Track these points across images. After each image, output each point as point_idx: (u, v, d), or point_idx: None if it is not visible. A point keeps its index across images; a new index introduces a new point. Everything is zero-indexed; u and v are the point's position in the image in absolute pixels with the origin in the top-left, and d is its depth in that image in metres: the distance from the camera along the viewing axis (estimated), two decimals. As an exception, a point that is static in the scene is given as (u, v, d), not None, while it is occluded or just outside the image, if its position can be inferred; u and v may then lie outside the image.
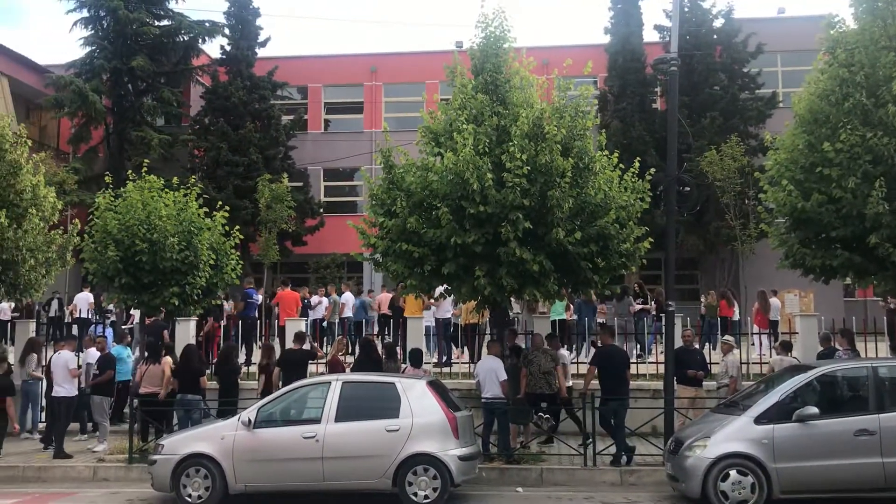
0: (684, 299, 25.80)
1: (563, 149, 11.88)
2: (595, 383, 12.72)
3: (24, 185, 14.08)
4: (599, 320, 17.99)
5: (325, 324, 19.56)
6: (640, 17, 32.22)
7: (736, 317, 20.15)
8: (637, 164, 13.19)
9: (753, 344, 17.77)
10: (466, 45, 13.68)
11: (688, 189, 14.03)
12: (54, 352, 14.20)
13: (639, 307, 18.19)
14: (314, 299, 20.85)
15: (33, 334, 16.21)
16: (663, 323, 13.94)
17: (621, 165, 12.96)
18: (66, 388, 13.37)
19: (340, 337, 15.80)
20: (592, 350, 15.75)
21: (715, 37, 31.03)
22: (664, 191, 13.32)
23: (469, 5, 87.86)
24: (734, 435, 10.06)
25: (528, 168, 11.45)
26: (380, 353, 13.77)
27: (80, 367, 14.18)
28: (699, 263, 31.72)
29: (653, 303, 18.73)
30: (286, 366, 13.51)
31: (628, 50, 31.14)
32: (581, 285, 12.84)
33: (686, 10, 29.48)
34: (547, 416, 12.87)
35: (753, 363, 16.01)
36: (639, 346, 17.52)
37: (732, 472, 9.84)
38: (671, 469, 10.68)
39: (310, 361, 13.92)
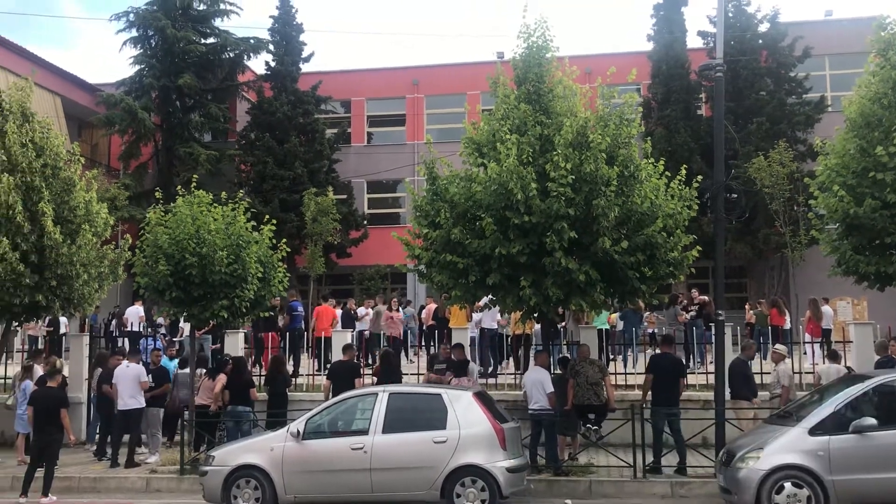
0: (733, 308, 25.37)
1: (608, 157, 11.79)
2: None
3: (77, 202, 14.40)
4: (649, 330, 17.81)
5: (367, 334, 19.66)
6: (684, 24, 31.97)
7: (787, 325, 19.77)
8: (683, 172, 13.04)
9: (805, 353, 17.40)
10: (508, 56, 13.69)
11: (735, 196, 13.81)
12: (106, 365, 14.50)
13: (688, 316, 17.92)
14: (361, 311, 20.98)
15: (87, 348, 16.54)
16: (713, 332, 13.71)
17: (667, 173, 12.81)
18: (137, 400, 13.60)
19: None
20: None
21: (760, 41, 30.61)
22: (712, 198, 13.12)
23: (509, 16, 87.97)
24: (788, 446, 9.84)
25: (573, 177, 11.39)
26: (397, 364, 13.87)
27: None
28: (748, 271, 31.20)
29: (690, 313, 18.43)
30: (335, 377, 13.61)
31: (672, 56, 30.89)
32: (628, 295, 12.70)
33: (730, 15, 29.13)
34: (595, 427, 12.73)
35: (806, 373, 15.64)
36: (689, 356, 17.23)
37: (787, 485, 9.62)
38: (723, 481, 10.48)
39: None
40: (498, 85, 13.14)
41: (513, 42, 13.81)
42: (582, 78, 13.71)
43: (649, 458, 12.17)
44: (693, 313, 18.50)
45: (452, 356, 14.15)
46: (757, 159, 24.81)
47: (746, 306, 23.14)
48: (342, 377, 13.42)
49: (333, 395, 12.76)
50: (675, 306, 17.54)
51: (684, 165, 13.69)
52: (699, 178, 13.24)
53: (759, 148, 26.40)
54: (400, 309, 20.88)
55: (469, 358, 14.89)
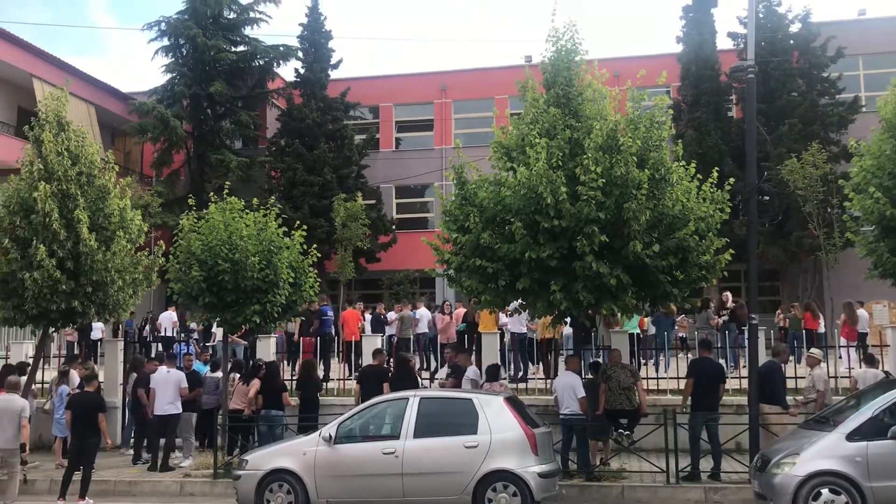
0: (765, 311, 25.06)
1: (639, 160, 11.72)
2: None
3: (112, 209, 14.61)
4: (680, 334, 17.66)
5: (395, 339, 19.72)
6: (713, 25, 31.75)
7: (821, 329, 19.50)
8: (715, 174, 12.93)
9: (841, 357, 17.16)
10: (536, 60, 13.67)
11: (768, 198, 13.66)
12: (141, 370, 14.69)
13: (721, 321, 17.74)
14: (391, 315, 21.04)
15: (122, 353, 16.77)
16: (746, 336, 13.55)
17: (699, 176, 12.70)
18: (175, 406, 13.77)
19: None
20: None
21: (792, 42, 30.28)
22: (744, 200, 12.98)
23: (536, 21, 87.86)
24: (825, 452, 9.71)
25: (603, 180, 11.33)
26: (414, 370, 13.82)
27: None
28: (780, 274, 30.82)
29: (722, 317, 18.23)
30: (364, 381, 13.66)
31: (701, 58, 30.67)
32: (660, 299, 12.60)
33: (761, 16, 28.85)
34: (627, 432, 12.64)
35: (842, 377, 15.42)
36: (724, 360, 17.05)
37: (824, 491, 9.49)
38: (758, 487, 10.35)
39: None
40: (527, 89, 13.12)
41: (540, 46, 13.74)
42: (610, 81, 13.65)
43: (682, 464, 12.05)
44: (725, 317, 18.32)
45: (457, 361, 14.12)
46: (790, 161, 24.45)
47: (778, 311, 22.83)
48: (371, 381, 13.46)
49: (362, 400, 12.84)
50: (708, 310, 17.37)
51: (715, 168, 13.56)
52: (731, 180, 13.10)
53: (791, 150, 26.06)
54: (444, 312, 20.85)
55: (473, 363, 14.90)
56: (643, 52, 38.40)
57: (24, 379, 14.38)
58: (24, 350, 17.90)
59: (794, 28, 30.55)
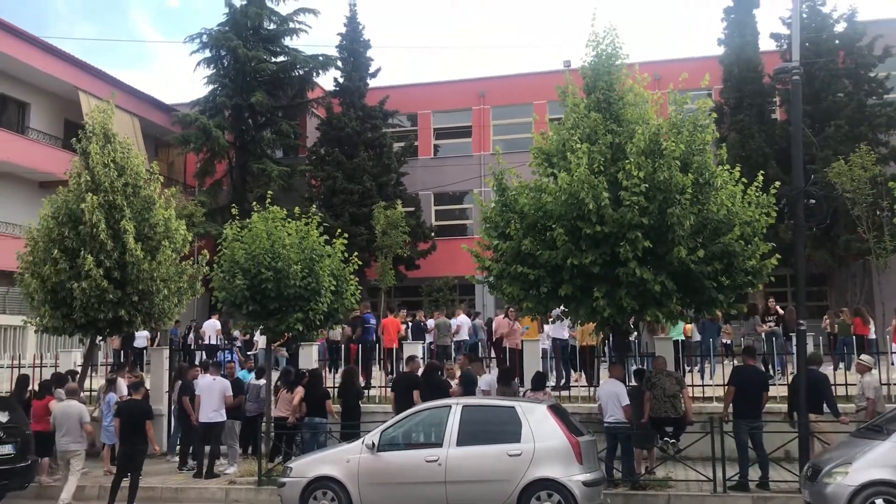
0: (813, 317, 24.56)
1: (682, 164, 11.55)
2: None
3: (157, 219, 14.86)
4: (724, 341, 17.36)
5: (432, 346, 19.70)
6: (755, 26, 31.30)
7: (872, 335, 19.03)
8: (760, 178, 12.70)
9: (893, 363, 16.71)
10: (576, 65, 13.57)
11: (814, 201, 13.36)
12: (186, 378, 14.86)
13: (767, 327, 17.40)
14: (430, 322, 21.04)
15: (168, 361, 16.99)
16: (794, 343, 13.27)
17: (744, 180, 12.48)
18: (220, 414, 13.90)
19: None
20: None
21: (837, 42, 29.71)
22: (790, 204, 12.71)
23: (573, 25, 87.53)
24: (879, 461, 9.45)
25: (646, 185, 11.18)
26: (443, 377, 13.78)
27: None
28: (828, 279, 30.19)
29: (772, 322, 17.88)
30: (396, 389, 13.67)
31: (744, 60, 30.24)
32: (705, 305, 12.39)
33: (805, 16, 28.35)
34: (673, 440, 12.44)
35: (894, 384, 15.01)
36: (770, 367, 16.72)
37: (878, 501, 9.23)
38: (809, 497, 10.10)
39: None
40: (567, 94, 13.03)
41: (579, 51, 13.76)
42: (651, 84, 13.50)
43: (729, 472, 11.82)
44: (771, 323, 17.98)
45: (469, 369, 14.06)
46: (837, 163, 23.99)
47: (825, 316, 22.34)
48: (401, 389, 13.50)
49: (395, 407, 12.83)
50: (755, 317, 17.02)
51: (761, 171, 13.31)
52: (777, 184, 12.85)
53: (837, 152, 25.55)
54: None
55: (488, 372, 14.83)
56: (684, 54, 38.07)
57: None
58: (72, 358, 18.26)
59: (840, 27, 29.99)
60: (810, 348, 13.32)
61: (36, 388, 14.81)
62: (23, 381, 14.92)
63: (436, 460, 10.42)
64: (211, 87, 35.52)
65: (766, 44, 31.24)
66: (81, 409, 12.38)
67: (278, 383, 14.69)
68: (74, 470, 12.20)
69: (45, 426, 13.38)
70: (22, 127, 30.93)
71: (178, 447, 15.21)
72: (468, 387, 13.47)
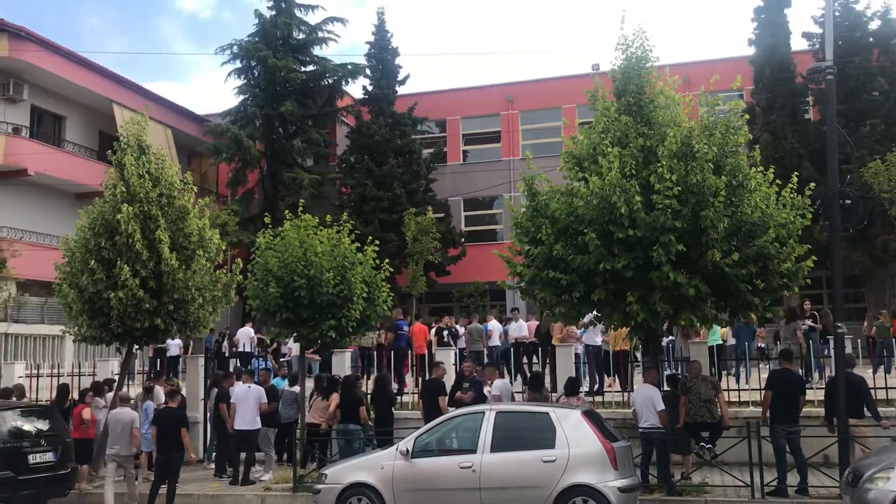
0: (850, 319, 24.14)
1: (715, 167, 11.44)
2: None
3: (191, 229, 15.00)
4: (759, 344, 17.13)
5: (465, 352, 19.67)
6: (787, 26, 30.90)
7: (913, 337, 18.61)
8: (795, 179, 12.53)
9: (935, 366, 16.37)
10: (606, 68, 13.51)
11: (850, 202, 13.16)
12: (222, 385, 15.00)
13: (806, 327, 17.10)
14: (460, 329, 21.02)
15: (203, 369, 17.17)
16: (832, 346, 13.06)
17: (778, 181, 12.33)
18: (255, 421, 13.95)
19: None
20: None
21: (871, 40, 29.28)
22: (826, 205, 12.54)
23: (601, 29, 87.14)
24: (923, 466, 9.25)
25: (679, 188, 11.09)
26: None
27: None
28: (865, 281, 29.69)
29: (814, 324, 17.61)
30: (423, 395, 13.66)
31: (775, 60, 29.87)
32: (740, 308, 12.25)
33: (837, 14, 27.96)
34: (709, 445, 12.30)
35: (937, 387, 14.70)
36: (804, 371, 16.45)
37: (922, 507, 9.03)
38: (850, 502, 9.91)
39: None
40: (597, 98, 12.98)
41: (607, 55, 13.68)
42: (681, 86, 13.40)
43: (767, 478, 11.66)
44: (806, 327, 17.70)
45: (480, 374, 13.99)
46: (873, 163, 23.60)
47: (865, 320, 21.95)
48: (428, 395, 13.48)
49: (424, 414, 12.82)
50: (795, 321, 16.72)
51: (795, 173, 13.14)
52: (811, 185, 12.67)
53: (873, 151, 25.13)
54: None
55: (499, 376, 14.84)
56: (714, 56, 37.73)
57: (110, 395, 14.89)
58: (109, 367, 18.50)
59: (874, 25, 29.57)
60: (849, 351, 13.06)
61: (76, 396, 15.05)
62: (63, 389, 15.19)
63: (470, 466, 10.40)
64: (242, 97, 35.93)
65: (797, 43, 30.93)
66: (133, 415, 12.84)
67: (313, 391, 14.77)
68: (129, 474, 12.80)
69: (82, 434, 13.62)
70: (58, 140, 31.52)
71: (214, 454, 15.34)
72: (478, 393, 13.46)
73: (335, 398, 13.73)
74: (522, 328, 20.35)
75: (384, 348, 18.87)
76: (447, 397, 13.49)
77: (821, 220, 14.20)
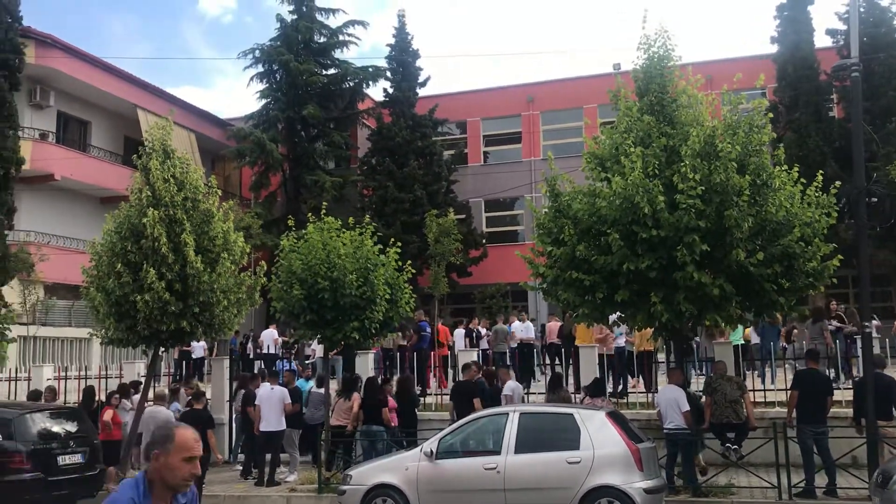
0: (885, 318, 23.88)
1: (739, 166, 11.36)
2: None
3: (216, 232, 15.11)
4: (783, 344, 16.98)
5: (488, 353, 19.68)
6: (810, 23, 30.61)
7: (942, 337, 18.40)
8: (820, 178, 12.42)
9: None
10: (626, 67, 13.47)
11: (876, 200, 13.01)
12: (248, 387, 15.12)
13: (833, 327, 16.93)
14: (482, 330, 21.04)
15: (228, 371, 17.31)
16: (859, 346, 12.92)
17: (802, 180, 12.23)
18: (280, 422, 14.04)
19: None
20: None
21: (896, 35, 28.87)
22: (852, 204, 12.40)
23: (621, 29, 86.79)
24: (953, 467, 9.14)
25: (702, 188, 11.02)
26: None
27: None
28: (892, 280, 29.32)
29: (840, 324, 17.43)
30: (455, 397, 13.68)
31: (798, 58, 29.59)
32: (765, 308, 12.16)
33: (862, 10, 27.61)
34: (735, 446, 12.21)
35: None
36: (835, 371, 16.28)
37: (953, 509, 8.93)
38: (880, 504, 9.82)
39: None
40: (619, 98, 12.93)
41: (626, 55, 13.63)
42: (703, 85, 13.32)
43: (794, 479, 11.56)
44: (832, 327, 17.53)
45: (480, 376, 13.94)
46: (899, 160, 23.33)
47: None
48: (460, 397, 13.49)
49: (456, 415, 12.83)
50: (823, 321, 16.55)
51: (819, 171, 13.02)
52: (837, 183, 12.55)
53: (899, 148, 24.84)
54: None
55: (512, 377, 14.83)
56: (736, 54, 37.42)
57: (136, 398, 15.06)
58: (135, 369, 18.71)
59: (899, 21, 29.17)
60: (877, 351, 12.92)
61: (103, 398, 15.22)
62: (89, 391, 15.38)
63: (494, 468, 10.40)
64: (264, 101, 36.19)
65: (821, 40, 30.62)
66: (168, 414, 13.09)
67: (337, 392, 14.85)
68: None
69: (107, 435, 13.77)
70: (84, 145, 31.93)
71: (240, 455, 15.46)
72: (483, 395, 13.43)
73: (356, 398, 13.78)
74: (529, 329, 20.27)
75: (406, 349, 18.92)
76: (480, 399, 13.47)
77: (846, 219, 14.01)
